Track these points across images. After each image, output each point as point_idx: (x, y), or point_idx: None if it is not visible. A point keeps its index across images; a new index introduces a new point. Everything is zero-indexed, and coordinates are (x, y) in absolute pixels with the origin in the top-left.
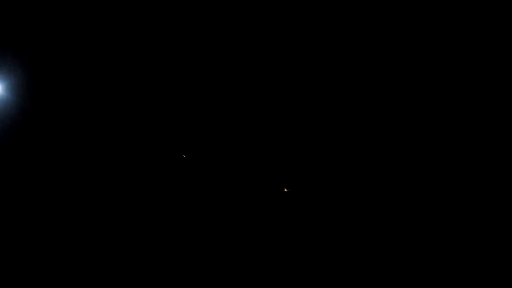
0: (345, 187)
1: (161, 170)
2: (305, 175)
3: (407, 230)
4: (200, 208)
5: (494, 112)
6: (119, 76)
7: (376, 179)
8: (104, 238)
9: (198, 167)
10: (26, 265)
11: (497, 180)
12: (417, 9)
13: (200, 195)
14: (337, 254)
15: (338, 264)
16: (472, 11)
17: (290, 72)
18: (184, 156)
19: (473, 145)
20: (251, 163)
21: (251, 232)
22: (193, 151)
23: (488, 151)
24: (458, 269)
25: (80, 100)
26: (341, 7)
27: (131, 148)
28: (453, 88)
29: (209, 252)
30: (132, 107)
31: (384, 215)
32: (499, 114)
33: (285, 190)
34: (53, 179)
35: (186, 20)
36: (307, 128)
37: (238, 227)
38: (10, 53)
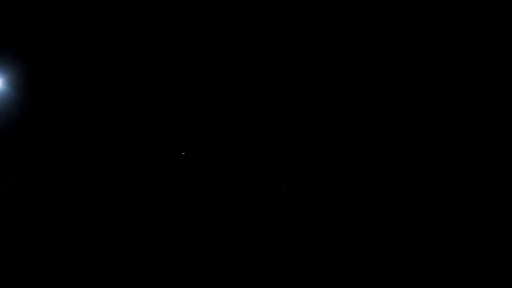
0: (342, 185)
1: (159, 167)
2: (303, 175)
3: (404, 227)
4: (200, 206)
5: (493, 111)
6: (118, 72)
7: (373, 178)
8: (102, 235)
9: (197, 167)
10: (26, 263)
11: (496, 179)
12: (417, 9)
13: (200, 194)
14: (334, 251)
15: (336, 261)
16: (472, 11)
17: (290, 72)
18: (183, 153)
19: (471, 144)
20: (250, 162)
21: (251, 229)
22: (192, 150)
23: (487, 150)
24: (456, 268)
25: (79, 97)
26: (341, 7)
27: (130, 140)
28: (451, 88)
29: (208, 248)
30: (131, 99)
31: (380, 213)
32: (498, 113)
33: (284, 190)
34: (51, 173)
35: (186, 20)
36: (306, 128)
37: (237, 224)
38: (11, 48)
